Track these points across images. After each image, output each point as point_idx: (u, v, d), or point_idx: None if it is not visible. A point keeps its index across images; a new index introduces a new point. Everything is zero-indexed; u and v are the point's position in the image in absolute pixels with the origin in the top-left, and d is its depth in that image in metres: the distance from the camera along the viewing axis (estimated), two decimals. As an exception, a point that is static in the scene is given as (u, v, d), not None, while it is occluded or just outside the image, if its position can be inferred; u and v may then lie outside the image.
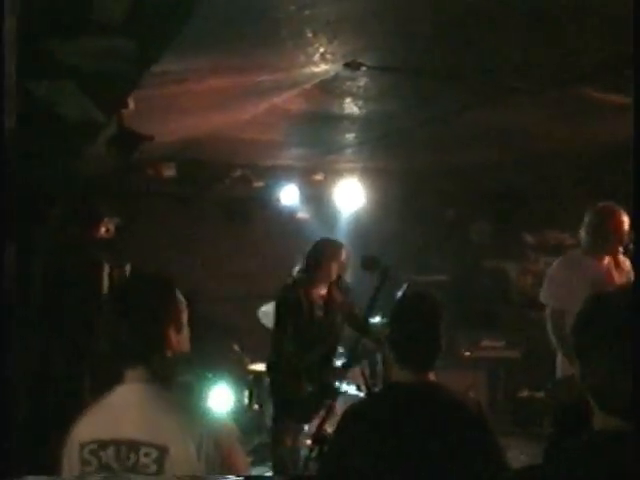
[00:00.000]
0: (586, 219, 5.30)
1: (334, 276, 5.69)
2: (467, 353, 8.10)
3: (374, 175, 8.50)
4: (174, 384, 2.46)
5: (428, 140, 6.84)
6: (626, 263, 5.33)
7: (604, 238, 5.18)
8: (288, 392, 5.54)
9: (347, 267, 5.80)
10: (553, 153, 7.40)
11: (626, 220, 5.16)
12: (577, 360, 1.79)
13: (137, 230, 7.66)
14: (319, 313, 5.67)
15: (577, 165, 7.53)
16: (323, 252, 5.65)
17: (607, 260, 5.25)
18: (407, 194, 8.73)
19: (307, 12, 3.19)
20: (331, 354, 5.72)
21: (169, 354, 2.39)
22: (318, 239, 5.82)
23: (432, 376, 2.95)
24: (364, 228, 8.55)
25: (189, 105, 5.08)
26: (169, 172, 7.74)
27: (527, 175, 8.16)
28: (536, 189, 8.41)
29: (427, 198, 8.90)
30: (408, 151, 7.51)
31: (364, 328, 5.38)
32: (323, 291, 5.70)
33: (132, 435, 2.28)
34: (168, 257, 7.86)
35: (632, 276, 5.27)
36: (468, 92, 5.16)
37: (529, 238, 8.68)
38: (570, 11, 3.50)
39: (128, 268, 6.17)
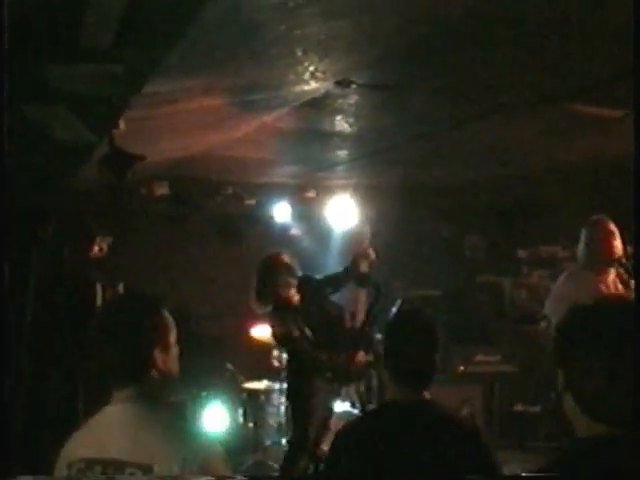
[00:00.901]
0: (581, 234, 5.34)
1: (286, 280, 5.65)
2: (462, 368, 8.08)
3: (367, 191, 8.53)
4: (164, 404, 2.46)
5: (421, 156, 6.87)
6: (624, 277, 5.36)
7: (597, 251, 5.22)
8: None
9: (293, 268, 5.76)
10: (546, 168, 7.44)
11: (617, 232, 5.19)
12: (561, 369, 1.83)
13: (130, 249, 7.64)
14: (308, 309, 5.68)
15: (571, 179, 7.56)
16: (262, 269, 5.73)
17: (609, 273, 5.27)
18: (400, 210, 8.74)
19: (297, 32, 3.21)
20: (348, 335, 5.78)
21: (156, 374, 2.39)
22: None
23: (427, 394, 2.94)
24: (356, 244, 8.54)
25: (181, 124, 5.09)
26: (162, 190, 7.74)
27: (521, 190, 8.19)
28: (530, 204, 8.43)
29: (420, 214, 8.92)
30: (400, 167, 7.54)
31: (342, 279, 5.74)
32: (296, 297, 5.68)
33: (118, 455, 2.28)
34: (162, 275, 7.85)
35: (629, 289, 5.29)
36: (460, 108, 5.18)
37: (522, 253, 8.70)
38: (562, 27, 3.53)
39: (121, 287, 6.15)
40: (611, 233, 5.21)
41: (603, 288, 5.16)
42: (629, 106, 5.07)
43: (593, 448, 1.76)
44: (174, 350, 2.47)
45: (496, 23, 3.46)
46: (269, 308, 5.67)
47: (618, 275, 5.33)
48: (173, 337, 2.47)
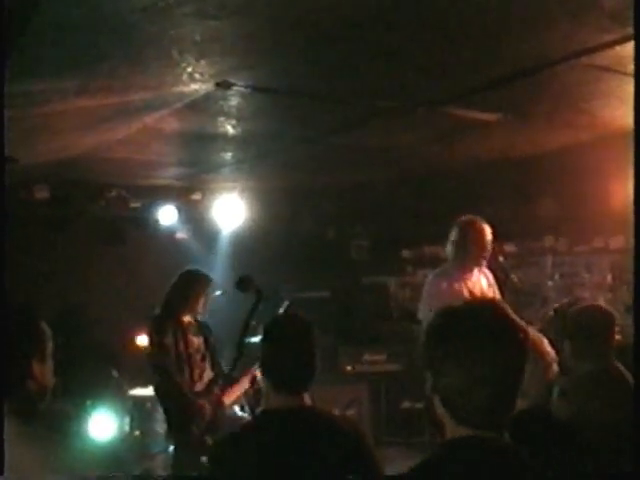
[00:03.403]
0: (450, 234, 5.39)
1: (201, 308, 5.58)
2: (349, 367, 8.18)
3: (253, 194, 8.51)
4: (41, 415, 2.38)
5: (305, 159, 6.90)
6: (490, 275, 5.45)
7: (465, 250, 5.26)
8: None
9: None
10: (427, 170, 7.61)
11: (487, 231, 5.26)
12: (428, 371, 1.84)
13: (9, 254, 7.37)
14: (195, 340, 5.55)
15: (451, 180, 7.74)
16: (197, 283, 5.55)
17: (474, 272, 5.34)
18: (287, 212, 8.76)
19: (172, 32, 3.17)
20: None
21: (33, 386, 2.32)
22: (186, 270, 5.65)
23: (307, 398, 2.87)
24: (243, 247, 8.51)
25: (58, 126, 4.95)
26: (42, 194, 7.51)
27: (404, 192, 8.33)
28: (413, 205, 8.58)
29: (307, 216, 8.97)
30: (286, 170, 7.56)
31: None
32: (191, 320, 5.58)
33: None
34: (44, 281, 7.62)
35: (496, 288, 5.41)
36: (342, 113, 5.23)
37: (407, 253, 8.86)
38: (439, 33, 3.61)
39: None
40: (480, 232, 5.24)
41: (468, 288, 5.23)
42: (503, 110, 5.28)
43: (451, 452, 1.79)
44: (50, 361, 2.40)
45: (372, 29, 3.50)
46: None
47: (483, 273, 5.41)
48: (49, 347, 2.41)
